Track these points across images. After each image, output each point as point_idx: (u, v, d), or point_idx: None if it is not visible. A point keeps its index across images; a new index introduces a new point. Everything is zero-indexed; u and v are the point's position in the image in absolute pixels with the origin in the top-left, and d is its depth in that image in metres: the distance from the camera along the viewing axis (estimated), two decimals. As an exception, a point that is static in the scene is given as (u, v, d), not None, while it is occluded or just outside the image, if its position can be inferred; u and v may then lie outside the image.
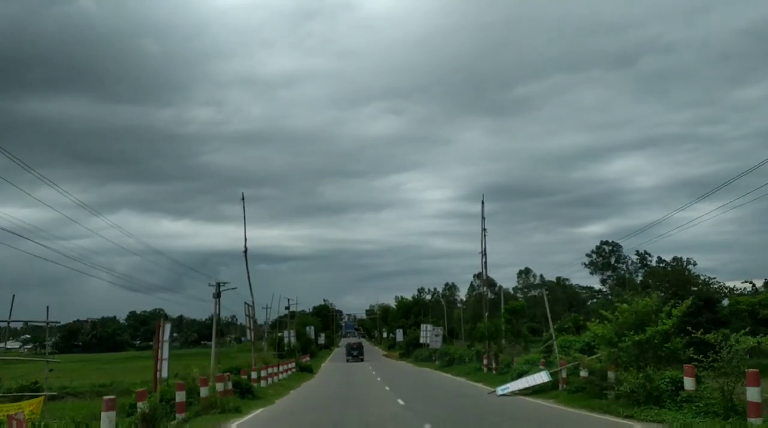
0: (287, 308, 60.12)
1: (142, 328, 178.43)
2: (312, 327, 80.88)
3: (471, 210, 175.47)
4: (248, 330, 28.35)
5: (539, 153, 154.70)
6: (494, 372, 30.65)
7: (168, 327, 19.25)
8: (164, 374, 18.70)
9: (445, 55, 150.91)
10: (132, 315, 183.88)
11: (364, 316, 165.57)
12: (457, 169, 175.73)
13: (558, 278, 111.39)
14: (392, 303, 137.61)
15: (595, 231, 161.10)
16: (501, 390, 20.70)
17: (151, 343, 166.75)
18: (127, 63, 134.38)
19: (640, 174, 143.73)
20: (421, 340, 57.85)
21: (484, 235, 33.87)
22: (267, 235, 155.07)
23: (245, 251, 29.27)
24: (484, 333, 30.52)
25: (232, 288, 27.76)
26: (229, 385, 19.83)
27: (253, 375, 26.37)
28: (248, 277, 28.12)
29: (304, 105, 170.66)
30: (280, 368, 35.99)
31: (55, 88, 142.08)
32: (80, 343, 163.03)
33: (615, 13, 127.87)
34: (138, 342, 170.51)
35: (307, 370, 44.08)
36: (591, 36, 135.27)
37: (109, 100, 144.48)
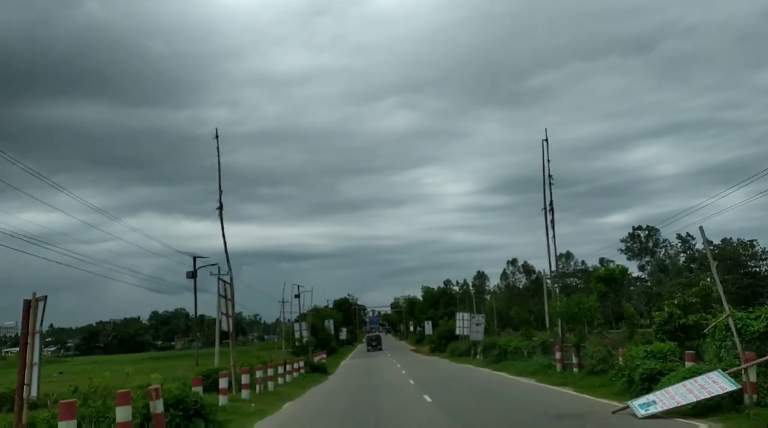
0: (297, 296, 52.02)
1: (164, 328, 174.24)
2: (331, 321, 72.29)
3: (490, 202, 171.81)
4: (224, 318, 19.54)
5: (558, 143, 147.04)
6: (576, 369, 21.58)
7: (41, 307, 10.61)
8: (33, 392, 10.16)
9: (457, 47, 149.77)
10: (154, 315, 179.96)
11: (389, 311, 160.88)
12: (474, 162, 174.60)
13: (602, 260, 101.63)
14: (418, 296, 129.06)
15: (619, 220, 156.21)
16: (642, 407, 11.55)
17: (173, 343, 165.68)
18: (141, 66, 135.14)
19: (662, 162, 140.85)
20: (457, 332, 48.79)
21: (549, 180, 24.77)
22: (288, 234, 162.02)
23: (220, 207, 20.56)
24: (563, 314, 21.30)
25: (212, 265, 19.23)
26: (159, 407, 11.05)
27: (223, 384, 17.40)
28: (223, 234, 19.48)
29: (319, 102, 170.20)
30: (283, 369, 27.33)
31: (73, 93, 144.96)
32: (101, 345, 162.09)
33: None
34: (160, 342, 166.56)
35: (319, 370, 35.35)
36: (606, 22, 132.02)
37: (125, 104, 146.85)
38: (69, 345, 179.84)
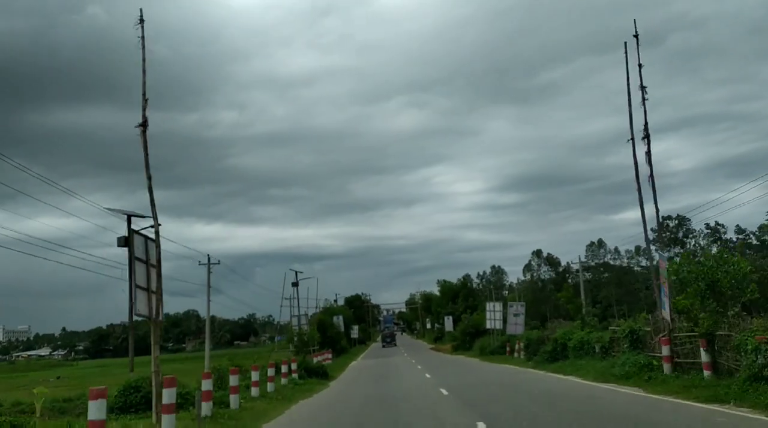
0: (295, 284, 43.40)
1: (174, 330, 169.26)
2: (340, 317, 64.45)
3: (502, 201, 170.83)
4: (140, 294, 11.60)
5: (569, 139, 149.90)
6: (708, 372, 13.58)
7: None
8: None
9: (464, 44, 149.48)
10: (165, 317, 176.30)
11: (404, 309, 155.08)
12: (485, 160, 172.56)
13: (637, 248, 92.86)
14: (435, 291, 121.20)
15: (633, 217, 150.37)
16: None
17: (184, 345, 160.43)
18: (148, 70, 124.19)
19: (675, 156, 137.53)
20: (488, 325, 40.73)
21: (644, 95, 16.68)
22: (300, 235, 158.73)
23: (143, 124, 12.68)
24: (694, 281, 13.17)
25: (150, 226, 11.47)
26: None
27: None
28: (146, 159, 11.71)
29: (327, 103, 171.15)
30: (264, 374, 19.60)
31: (81, 98, 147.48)
32: (111, 347, 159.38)
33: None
34: (170, 344, 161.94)
35: (317, 375, 27.37)
36: (614, 15, 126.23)
37: (133, 108, 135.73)
38: (78, 348, 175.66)
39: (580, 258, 59.57)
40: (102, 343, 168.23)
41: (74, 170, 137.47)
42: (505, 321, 38.25)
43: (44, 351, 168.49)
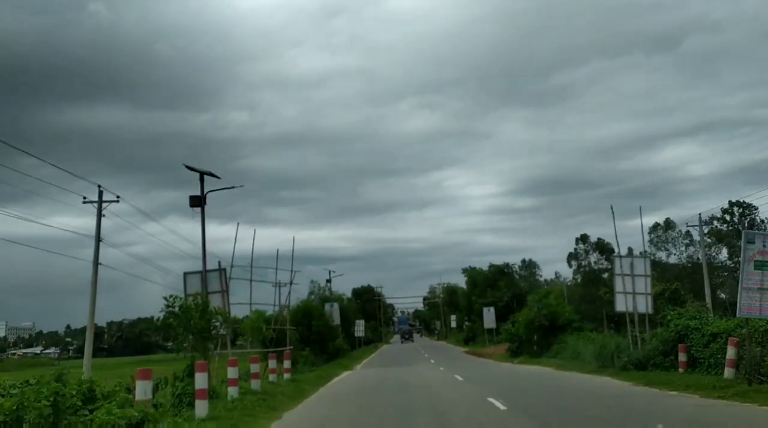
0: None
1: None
2: (335, 306, 44.63)
3: (516, 205, 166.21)
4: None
5: (584, 143, 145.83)
6: None
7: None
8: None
9: (477, 46, 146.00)
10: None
11: (421, 306, 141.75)
12: (498, 163, 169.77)
13: (718, 229, 72.72)
14: (460, 284, 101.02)
15: (650, 223, 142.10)
16: None
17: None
18: (158, 70, 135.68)
19: (693, 162, 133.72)
20: (618, 307, 20.64)
21: None
22: (313, 237, 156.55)
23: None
24: None
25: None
26: None
27: None
28: None
29: (338, 104, 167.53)
30: None
31: (92, 97, 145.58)
32: (106, 346, 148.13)
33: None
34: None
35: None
36: (629, 17, 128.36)
37: (145, 108, 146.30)
38: (71, 347, 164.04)
39: (701, 221, 39.10)
40: (96, 342, 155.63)
41: (88, 170, 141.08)
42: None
43: (39, 349, 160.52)
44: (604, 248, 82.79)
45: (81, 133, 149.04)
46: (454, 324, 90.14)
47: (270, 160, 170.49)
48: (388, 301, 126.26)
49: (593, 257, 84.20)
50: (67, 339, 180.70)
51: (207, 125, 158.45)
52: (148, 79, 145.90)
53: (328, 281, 41.27)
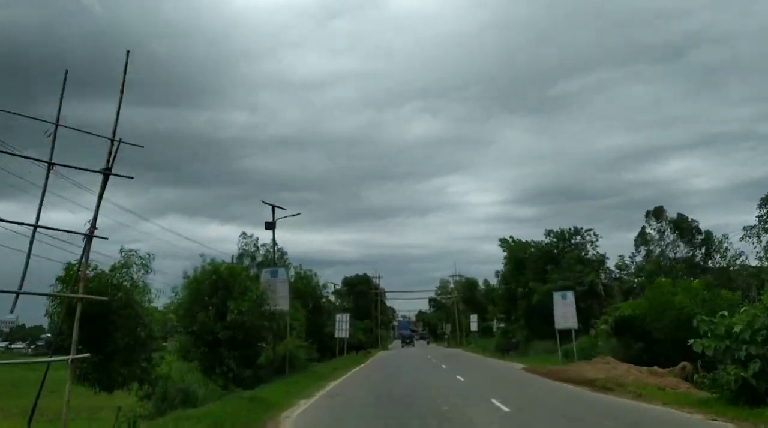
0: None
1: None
2: (280, 275, 22.66)
3: (518, 214, 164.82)
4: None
5: (586, 153, 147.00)
6: None
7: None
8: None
9: (480, 51, 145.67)
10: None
11: (424, 309, 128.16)
12: (500, 171, 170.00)
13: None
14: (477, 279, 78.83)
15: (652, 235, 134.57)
16: None
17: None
18: (156, 68, 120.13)
19: (696, 175, 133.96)
20: None
21: None
22: (312, 240, 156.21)
23: None
24: None
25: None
26: None
27: None
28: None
29: (339, 107, 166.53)
30: None
31: (91, 93, 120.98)
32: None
33: (660, 1, 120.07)
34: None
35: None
36: (634, 27, 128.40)
37: (145, 105, 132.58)
38: (40, 343, 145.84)
39: None
40: (65, 337, 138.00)
41: (88, 165, 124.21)
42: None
43: (6, 344, 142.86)
44: (686, 229, 60.77)
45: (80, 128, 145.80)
46: (474, 328, 68.24)
47: (271, 161, 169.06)
48: (389, 303, 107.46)
49: (670, 240, 62.19)
50: (48, 335, 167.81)
51: (208, 125, 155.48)
52: (148, 77, 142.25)
53: (271, 227, 20.89)
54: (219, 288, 20.98)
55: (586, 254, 39.76)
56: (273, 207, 23.92)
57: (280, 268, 24.02)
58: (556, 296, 28.96)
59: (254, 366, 21.62)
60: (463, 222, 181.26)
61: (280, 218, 25.05)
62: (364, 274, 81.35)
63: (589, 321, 29.98)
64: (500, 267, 49.59)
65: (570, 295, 28.51)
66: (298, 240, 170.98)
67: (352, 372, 28.86)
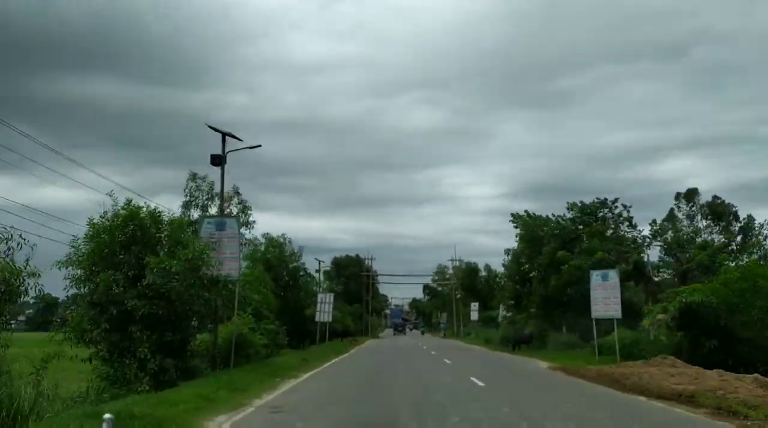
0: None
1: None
2: (227, 228, 16.25)
3: (514, 208, 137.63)
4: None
5: (585, 150, 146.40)
6: None
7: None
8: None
9: (481, 42, 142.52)
10: None
11: (418, 296, 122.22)
12: (497, 164, 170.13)
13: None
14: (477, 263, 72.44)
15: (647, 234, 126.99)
16: None
17: None
18: (157, 45, 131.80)
19: (694, 176, 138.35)
20: None
21: None
22: (308, 226, 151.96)
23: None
24: None
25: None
26: None
27: None
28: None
29: (339, 92, 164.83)
30: None
31: (89, 68, 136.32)
32: (58, 319, 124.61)
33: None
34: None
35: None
36: (636, 24, 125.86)
37: (141, 82, 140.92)
38: (21, 319, 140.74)
39: None
40: (47, 313, 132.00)
41: (83, 142, 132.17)
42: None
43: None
44: (723, 213, 54.30)
45: (77, 105, 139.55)
46: (475, 317, 61.91)
47: (269, 145, 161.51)
48: (382, 290, 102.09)
49: (703, 226, 55.75)
50: (28, 312, 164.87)
51: (205, 105, 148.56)
52: (144, 55, 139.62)
53: (218, 162, 14.63)
54: (137, 242, 14.61)
55: (619, 233, 33.30)
56: (223, 134, 18.71)
57: (228, 219, 17.55)
58: (594, 276, 22.51)
59: (183, 355, 15.32)
60: (460, 214, 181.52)
61: (233, 150, 19.20)
62: (356, 255, 75.01)
63: (631, 308, 23.58)
64: (497, 260, 43.50)
65: (614, 274, 22.11)
66: (293, 226, 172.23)
67: (324, 366, 22.48)
